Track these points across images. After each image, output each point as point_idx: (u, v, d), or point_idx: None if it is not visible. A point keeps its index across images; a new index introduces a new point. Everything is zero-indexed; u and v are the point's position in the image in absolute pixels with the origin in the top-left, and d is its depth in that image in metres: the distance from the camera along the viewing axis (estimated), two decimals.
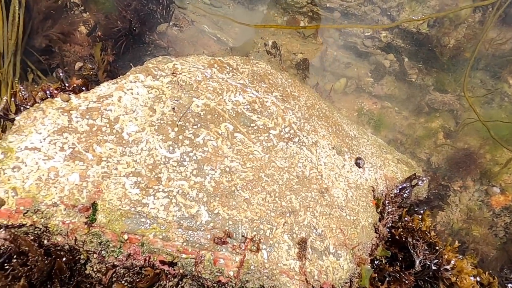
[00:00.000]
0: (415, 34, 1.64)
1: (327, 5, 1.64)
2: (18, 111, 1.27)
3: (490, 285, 1.45)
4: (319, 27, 1.70)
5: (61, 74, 1.44)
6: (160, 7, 1.50)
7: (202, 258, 0.95)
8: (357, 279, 1.11)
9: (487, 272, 1.49)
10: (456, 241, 1.34)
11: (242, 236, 0.99)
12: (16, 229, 0.95)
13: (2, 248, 0.99)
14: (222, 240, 0.96)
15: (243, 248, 0.97)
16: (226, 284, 0.96)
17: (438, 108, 1.61)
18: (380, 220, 1.27)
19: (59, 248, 0.97)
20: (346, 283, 1.07)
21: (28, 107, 1.29)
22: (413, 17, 1.51)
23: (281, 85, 1.50)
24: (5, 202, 0.94)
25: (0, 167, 0.99)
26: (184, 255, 0.95)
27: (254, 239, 0.99)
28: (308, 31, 1.67)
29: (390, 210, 1.28)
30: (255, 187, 1.10)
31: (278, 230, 1.04)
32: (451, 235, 1.55)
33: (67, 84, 1.39)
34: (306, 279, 0.99)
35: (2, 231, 0.97)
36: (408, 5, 1.61)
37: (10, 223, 0.94)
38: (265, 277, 0.97)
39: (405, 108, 1.63)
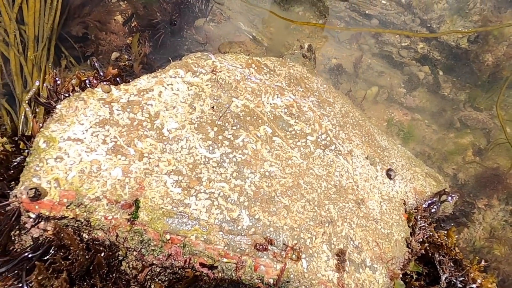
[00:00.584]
0: (453, 48, 1.62)
1: (366, 12, 1.61)
2: (50, 97, 1.25)
3: None
4: (362, 30, 1.67)
5: (95, 62, 1.42)
6: (200, 1, 1.47)
7: (243, 264, 0.94)
8: None
9: None
10: (483, 260, 1.34)
11: (283, 244, 0.98)
12: (57, 221, 0.94)
13: (41, 239, 0.98)
14: (264, 247, 0.95)
15: (284, 256, 0.97)
16: None
17: (470, 125, 1.61)
18: (411, 234, 1.26)
19: (99, 243, 0.96)
20: None
21: (62, 94, 1.27)
22: (459, 29, 1.49)
23: (317, 90, 1.48)
24: (47, 193, 0.93)
25: (43, 156, 0.97)
26: (225, 259, 0.94)
27: (295, 247, 0.98)
28: (343, 37, 1.66)
29: (422, 225, 1.27)
30: (294, 194, 1.09)
31: (318, 239, 1.03)
32: (472, 252, 1.56)
33: (101, 74, 1.37)
34: None
35: (42, 222, 0.96)
36: (450, 18, 1.59)
37: (52, 215, 0.93)
38: (303, 287, 0.97)
39: (435, 122, 1.62)
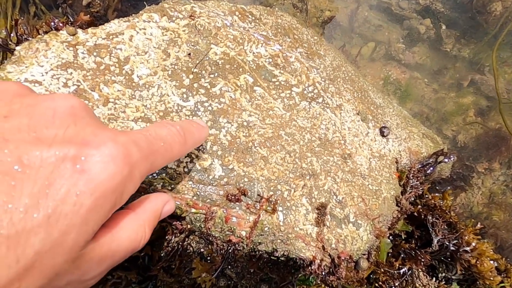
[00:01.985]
0: None
1: None
2: (19, 43, 1.16)
3: (506, 271, 1.38)
4: None
5: (67, 8, 1.32)
6: None
7: (213, 214, 0.87)
8: (375, 252, 1.04)
9: (503, 259, 1.43)
10: (479, 223, 1.26)
11: (258, 195, 0.90)
12: None
13: None
14: (236, 198, 0.87)
15: (258, 207, 0.89)
16: (237, 245, 0.89)
17: (472, 84, 1.48)
18: (402, 193, 1.18)
19: None
20: (364, 254, 1.00)
21: (30, 39, 1.18)
22: None
23: (306, 41, 1.37)
24: None
25: None
26: (193, 210, 0.87)
27: (271, 199, 0.91)
28: None
29: (414, 184, 1.19)
30: (274, 145, 1.01)
31: (297, 192, 0.95)
32: (469, 218, 1.48)
33: (72, 20, 1.27)
34: (323, 246, 0.92)
35: None
36: None
37: None
38: (279, 241, 0.90)
39: (436, 81, 1.50)
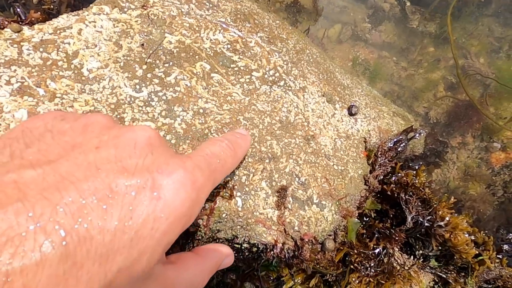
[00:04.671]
0: None
1: None
2: None
3: (484, 244, 1.37)
4: None
5: (18, 8, 1.28)
6: None
7: None
8: (343, 232, 1.02)
9: (482, 232, 1.41)
10: (452, 197, 1.24)
11: None
12: None
13: None
14: None
15: (214, 194, 0.87)
16: (195, 234, 0.86)
17: (440, 58, 1.47)
18: (371, 172, 1.16)
19: None
20: (330, 235, 0.98)
21: None
22: None
23: (267, 26, 1.34)
24: None
25: None
26: None
27: (227, 185, 0.88)
28: None
29: (382, 161, 1.17)
30: (231, 131, 0.98)
31: (256, 176, 0.93)
32: (446, 193, 1.46)
33: (23, 18, 1.23)
34: (284, 229, 0.89)
35: None
36: None
37: None
38: (238, 227, 0.87)
39: (405, 58, 1.48)
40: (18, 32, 1.03)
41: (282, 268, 1.39)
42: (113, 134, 0.47)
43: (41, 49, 1.00)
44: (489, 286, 1.41)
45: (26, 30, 1.04)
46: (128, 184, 0.41)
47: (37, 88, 0.93)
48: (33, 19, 1.22)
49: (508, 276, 1.41)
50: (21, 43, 1.00)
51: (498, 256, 1.44)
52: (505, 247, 1.46)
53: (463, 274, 1.37)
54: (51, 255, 0.34)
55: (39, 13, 1.20)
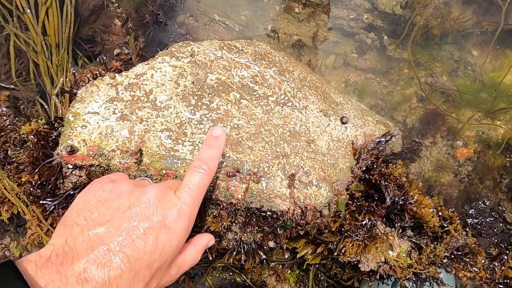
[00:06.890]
0: (391, 15, 1.91)
1: None
2: (73, 88, 1.66)
3: (451, 220, 1.78)
4: None
5: (104, 58, 1.82)
6: (179, 1, 1.83)
7: (218, 186, 1.32)
8: (334, 205, 1.47)
9: (449, 210, 1.82)
10: (420, 182, 1.67)
11: (248, 170, 1.36)
12: (88, 167, 1.35)
13: (78, 182, 1.39)
14: (232, 174, 1.33)
15: (248, 179, 1.34)
16: (236, 204, 1.34)
17: (412, 77, 1.89)
18: (356, 164, 1.61)
19: None
20: (325, 206, 1.43)
21: (80, 84, 1.67)
22: None
23: (278, 61, 1.83)
24: (79, 149, 1.34)
25: (72, 126, 1.38)
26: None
27: (256, 173, 1.36)
28: (302, 16, 1.97)
29: (364, 157, 1.62)
30: (256, 138, 1.46)
31: (274, 168, 1.40)
32: (422, 181, 1.87)
33: (109, 67, 1.77)
34: (294, 201, 1.36)
35: (77, 170, 1.37)
36: None
37: (83, 164, 1.34)
38: (264, 200, 1.34)
39: (385, 79, 1.91)
40: (113, 78, 1.56)
41: (298, 241, 1.85)
42: (135, 197, 0.78)
43: (129, 89, 1.52)
44: (459, 252, 1.82)
45: (118, 77, 1.56)
46: (152, 225, 0.73)
47: (131, 115, 1.44)
48: (115, 67, 1.76)
49: (472, 244, 1.82)
50: (117, 86, 1.52)
51: (465, 229, 1.84)
52: (469, 220, 1.84)
53: (436, 243, 1.79)
54: (124, 268, 0.65)
55: (119, 63, 1.74)
